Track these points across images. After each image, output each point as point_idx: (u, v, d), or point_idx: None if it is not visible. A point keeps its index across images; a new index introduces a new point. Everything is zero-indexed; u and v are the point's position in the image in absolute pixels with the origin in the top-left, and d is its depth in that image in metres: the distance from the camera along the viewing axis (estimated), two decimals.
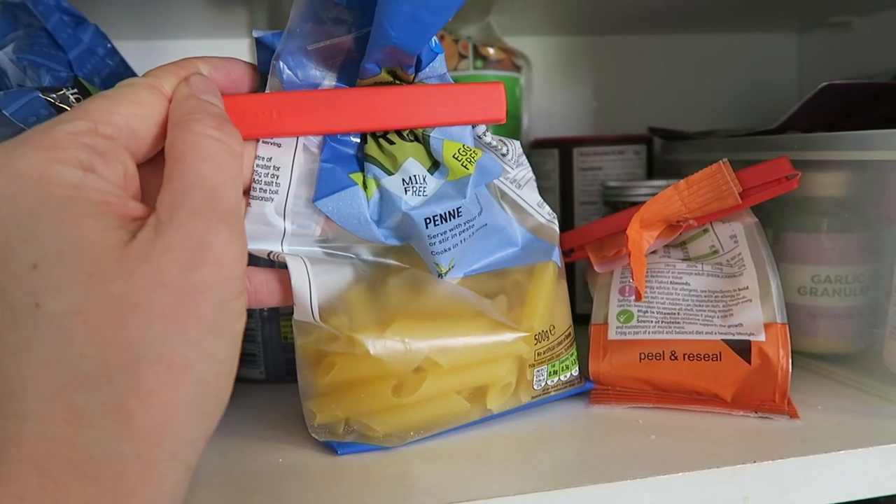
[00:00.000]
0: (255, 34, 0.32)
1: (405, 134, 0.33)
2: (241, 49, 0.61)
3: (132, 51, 0.53)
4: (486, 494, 0.29)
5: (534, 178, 0.39)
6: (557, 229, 0.39)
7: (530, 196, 0.39)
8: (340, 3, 0.30)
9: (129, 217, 0.23)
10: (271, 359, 0.46)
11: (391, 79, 0.32)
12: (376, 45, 0.30)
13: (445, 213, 0.32)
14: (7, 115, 0.31)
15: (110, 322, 0.21)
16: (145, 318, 0.21)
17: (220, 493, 0.31)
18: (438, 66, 0.33)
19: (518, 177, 0.38)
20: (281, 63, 0.31)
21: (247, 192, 0.31)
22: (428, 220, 0.32)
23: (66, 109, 0.31)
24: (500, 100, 0.33)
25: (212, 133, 0.25)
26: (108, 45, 0.44)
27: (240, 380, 0.46)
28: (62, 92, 0.32)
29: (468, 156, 0.33)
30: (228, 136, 0.25)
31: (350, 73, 0.32)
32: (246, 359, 0.46)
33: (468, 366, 0.34)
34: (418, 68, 0.32)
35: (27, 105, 0.31)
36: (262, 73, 0.32)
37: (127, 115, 0.25)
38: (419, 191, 0.32)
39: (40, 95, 0.31)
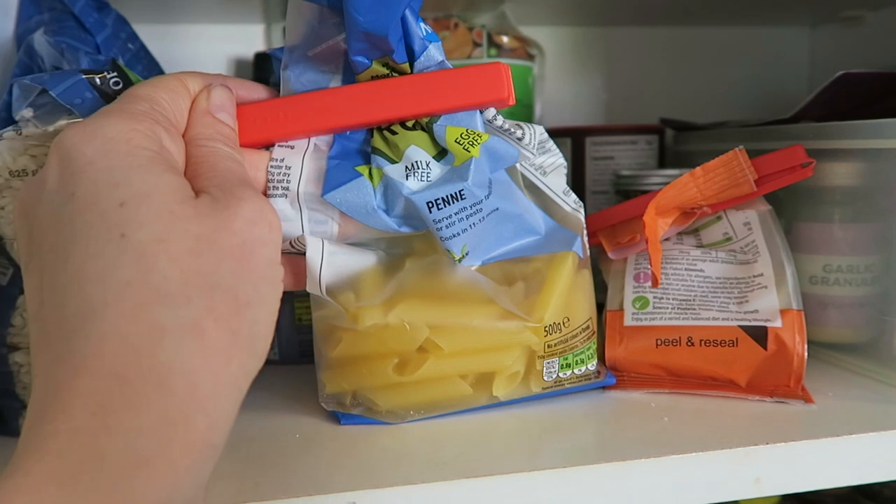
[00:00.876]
0: (269, 51, 0.35)
1: (408, 123, 0.33)
2: (255, 34, 0.62)
3: (148, 34, 0.53)
4: (496, 471, 0.30)
5: (564, 165, 0.39)
6: (583, 218, 0.38)
7: (556, 183, 0.38)
8: (322, 3, 0.31)
9: (191, 186, 0.26)
10: (285, 340, 0.46)
11: (387, 71, 0.33)
12: (352, 34, 0.31)
13: (448, 196, 0.32)
14: (54, 95, 0.32)
15: (189, 253, 0.23)
16: (217, 255, 0.24)
17: (248, 459, 0.32)
18: (435, 54, 0.33)
19: (545, 163, 0.38)
20: (288, 72, 0.33)
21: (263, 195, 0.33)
22: (430, 204, 0.32)
23: (108, 92, 0.33)
24: (501, 80, 0.33)
25: (224, 145, 0.29)
26: (129, 30, 0.45)
27: None
28: (103, 74, 0.33)
29: (470, 139, 0.33)
30: (237, 150, 0.30)
31: (353, 71, 0.33)
32: None
33: (473, 351, 0.35)
34: (412, 58, 0.33)
35: (73, 87, 0.33)
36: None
37: (167, 98, 0.28)
38: (422, 176, 0.33)
39: (84, 78, 0.32)
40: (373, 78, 0.33)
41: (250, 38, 0.61)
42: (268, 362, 0.46)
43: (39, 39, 0.38)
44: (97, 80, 0.33)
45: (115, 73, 0.34)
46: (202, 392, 0.22)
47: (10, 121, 0.35)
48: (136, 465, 0.21)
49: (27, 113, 0.33)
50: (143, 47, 0.46)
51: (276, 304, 0.26)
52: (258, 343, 0.25)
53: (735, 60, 0.72)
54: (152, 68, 0.46)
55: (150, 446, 0.21)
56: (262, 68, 0.57)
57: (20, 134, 0.33)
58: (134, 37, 0.45)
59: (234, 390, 0.24)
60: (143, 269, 0.23)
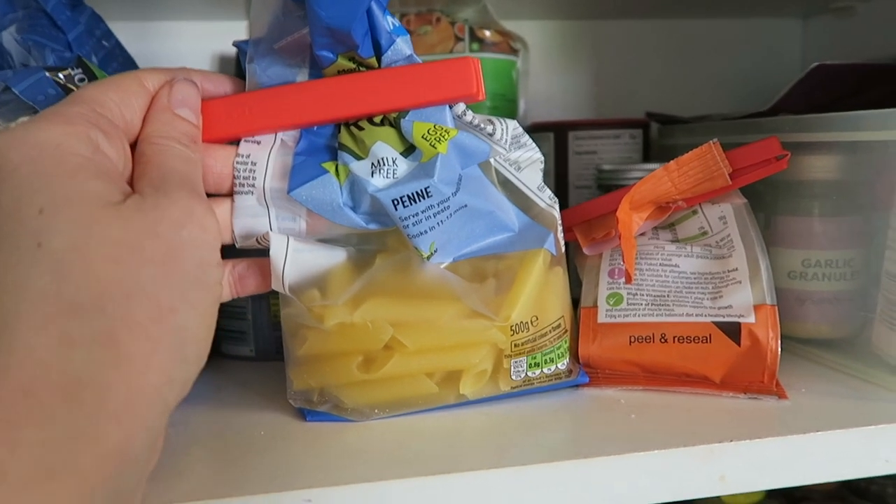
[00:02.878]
0: (235, 43, 0.34)
1: (375, 119, 0.33)
2: (238, 30, 0.62)
3: (128, 31, 0.53)
4: (460, 468, 0.29)
5: (541, 159, 0.38)
6: (557, 214, 0.38)
7: (531, 179, 0.38)
8: None
9: (123, 189, 0.26)
10: (260, 337, 0.46)
11: (353, 65, 0.33)
12: (315, 29, 0.31)
13: (413, 194, 0.32)
14: (17, 92, 0.32)
15: (107, 260, 0.23)
16: (138, 260, 0.23)
17: (210, 456, 0.32)
18: (403, 48, 0.32)
19: (520, 158, 0.38)
20: (254, 66, 0.33)
21: (230, 194, 0.33)
22: (396, 202, 0.32)
23: (72, 88, 0.33)
24: (471, 75, 0.32)
25: (178, 143, 0.29)
26: (104, 28, 0.45)
27: (230, 356, 0.47)
28: (67, 71, 0.34)
29: (437, 135, 0.33)
30: (193, 150, 0.29)
31: (319, 65, 0.33)
32: (236, 336, 0.47)
33: (439, 349, 0.34)
34: (379, 52, 0.32)
35: (36, 84, 0.33)
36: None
37: (117, 100, 0.28)
38: (388, 173, 0.32)
39: (47, 74, 0.33)
40: (339, 72, 0.33)
41: (233, 34, 0.60)
42: (244, 359, 0.47)
43: (8, 37, 0.38)
44: (61, 77, 0.33)
45: (79, 70, 0.34)
46: (114, 403, 0.22)
47: None
48: (41, 478, 0.20)
49: None
50: (118, 45, 0.46)
51: (211, 307, 0.26)
52: (187, 348, 0.24)
53: (727, 53, 0.71)
54: (127, 66, 0.46)
55: (56, 459, 0.21)
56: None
57: None
58: (109, 34, 0.45)
59: (156, 399, 0.23)
60: (58, 279, 0.22)
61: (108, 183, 0.25)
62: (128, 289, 0.23)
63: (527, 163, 0.38)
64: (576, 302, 0.42)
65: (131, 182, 0.27)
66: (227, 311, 0.46)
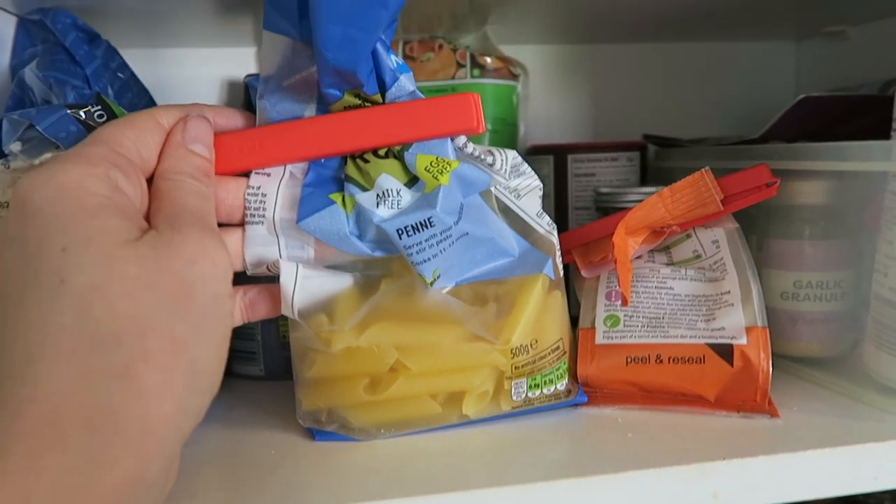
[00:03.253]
0: (246, 79, 0.36)
1: (380, 152, 0.35)
2: (247, 56, 0.63)
3: (140, 58, 0.55)
4: (461, 486, 0.31)
5: (540, 187, 0.40)
6: (556, 240, 0.39)
7: (530, 206, 0.39)
8: (295, 37, 0.33)
9: (140, 226, 0.27)
10: (270, 356, 0.47)
11: (359, 101, 0.34)
12: (323, 70, 0.32)
13: (417, 224, 0.33)
14: (40, 130, 0.34)
15: (125, 297, 0.24)
16: (154, 296, 0.25)
17: (223, 476, 0.33)
18: (406, 84, 0.34)
19: (519, 186, 0.39)
20: (263, 102, 0.35)
21: (242, 223, 0.34)
22: (400, 231, 0.33)
23: (92, 125, 0.35)
24: (470, 110, 0.34)
25: (191, 178, 0.30)
26: (119, 60, 0.47)
27: (240, 376, 0.48)
28: (87, 108, 0.35)
29: (440, 167, 0.34)
30: (206, 185, 0.31)
31: (326, 101, 0.35)
32: (245, 356, 0.48)
33: (441, 371, 0.36)
34: (383, 89, 0.34)
35: (58, 122, 0.35)
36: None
37: (133, 138, 0.30)
38: (393, 204, 0.34)
39: (69, 112, 0.34)
40: (345, 108, 0.35)
41: (242, 61, 0.63)
42: (253, 378, 0.48)
43: (30, 74, 0.40)
44: (81, 114, 0.35)
45: (99, 107, 0.36)
46: (131, 433, 0.23)
47: (1, 154, 0.37)
48: (63, 503, 0.22)
49: (15, 147, 0.35)
50: (132, 75, 0.48)
51: (223, 338, 0.27)
52: (200, 379, 0.26)
53: (722, 75, 0.73)
54: (142, 95, 0.48)
55: (77, 486, 0.22)
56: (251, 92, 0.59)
57: (8, 167, 0.35)
58: (124, 66, 0.47)
59: (170, 429, 0.25)
60: (78, 316, 0.24)
61: (126, 220, 0.26)
62: (144, 324, 0.24)
63: (526, 190, 0.40)
64: (574, 321, 0.44)
65: (148, 216, 0.29)
66: (238, 332, 0.48)
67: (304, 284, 0.34)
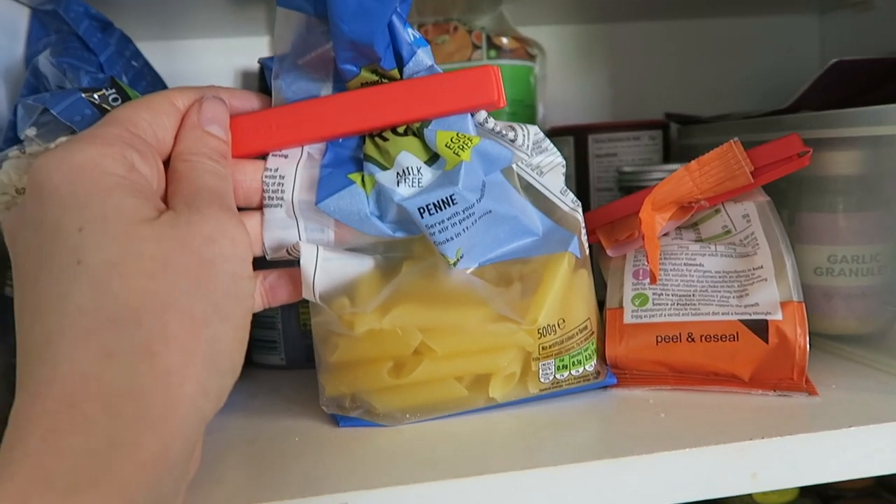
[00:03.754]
0: (260, 60, 0.35)
1: (399, 129, 0.34)
2: (260, 46, 0.63)
3: (154, 50, 0.55)
4: (490, 469, 0.30)
5: (562, 163, 0.39)
6: (581, 217, 0.38)
7: (553, 183, 0.38)
8: (309, 13, 0.32)
9: (158, 206, 0.27)
10: (291, 345, 0.47)
11: (376, 78, 0.33)
12: (338, 43, 0.31)
13: (439, 202, 0.32)
14: (55, 114, 0.33)
15: (143, 275, 0.24)
16: (173, 275, 0.24)
17: (247, 462, 0.33)
18: (424, 58, 0.33)
19: (542, 163, 0.38)
20: (279, 82, 0.34)
21: (259, 205, 0.34)
22: (422, 210, 0.32)
23: (107, 108, 0.34)
24: (491, 83, 0.33)
25: (208, 159, 0.30)
26: (133, 48, 0.47)
27: (262, 366, 0.48)
28: (102, 92, 0.35)
29: (461, 143, 0.33)
30: (223, 165, 0.30)
31: (343, 79, 0.34)
32: (267, 345, 0.47)
33: (467, 353, 0.35)
34: (401, 64, 0.33)
35: (72, 105, 0.34)
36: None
37: (149, 119, 0.29)
38: (413, 182, 0.33)
39: (83, 96, 0.34)
40: (362, 85, 0.34)
41: (256, 50, 0.62)
42: (275, 367, 0.47)
43: (44, 61, 0.39)
44: (96, 98, 0.34)
45: (113, 90, 0.35)
46: (152, 414, 0.23)
47: (17, 140, 0.37)
48: (85, 485, 0.21)
49: (31, 132, 0.35)
50: (146, 64, 0.47)
51: (244, 319, 0.26)
52: (221, 360, 0.25)
53: (743, 52, 0.71)
54: (156, 84, 0.47)
55: (98, 467, 0.21)
56: (266, 77, 0.58)
57: (24, 153, 0.34)
58: (137, 54, 0.47)
59: (192, 410, 0.24)
60: (96, 295, 0.23)
61: (143, 200, 0.26)
62: (163, 302, 0.24)
63: (549, 167, 0.39)
64: (601, 303, 0.43)
65: (165, 198, 0.28)
66: (258, 321, 0.47)
67: (324, 266, 0.33)
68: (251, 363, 0.48)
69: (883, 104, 0.38)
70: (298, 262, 0.33)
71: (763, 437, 0.32)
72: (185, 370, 0.24)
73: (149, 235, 0.25)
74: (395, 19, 0.32)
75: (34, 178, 0.25)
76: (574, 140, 0.57)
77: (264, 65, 0.35)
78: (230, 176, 0.31)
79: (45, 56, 0.40)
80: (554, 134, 0.59)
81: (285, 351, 0.47)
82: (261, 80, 0.60)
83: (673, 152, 0.59)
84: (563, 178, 0.39)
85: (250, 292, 0.27)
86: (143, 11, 0.53)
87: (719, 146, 0.40)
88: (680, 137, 0.60)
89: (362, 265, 0.35)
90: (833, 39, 0.71)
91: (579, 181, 0.57)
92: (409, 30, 0.34)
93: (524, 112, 0.58)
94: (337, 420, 0.36)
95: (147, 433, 0.23)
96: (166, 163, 0.30)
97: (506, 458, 0.31)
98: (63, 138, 0.33)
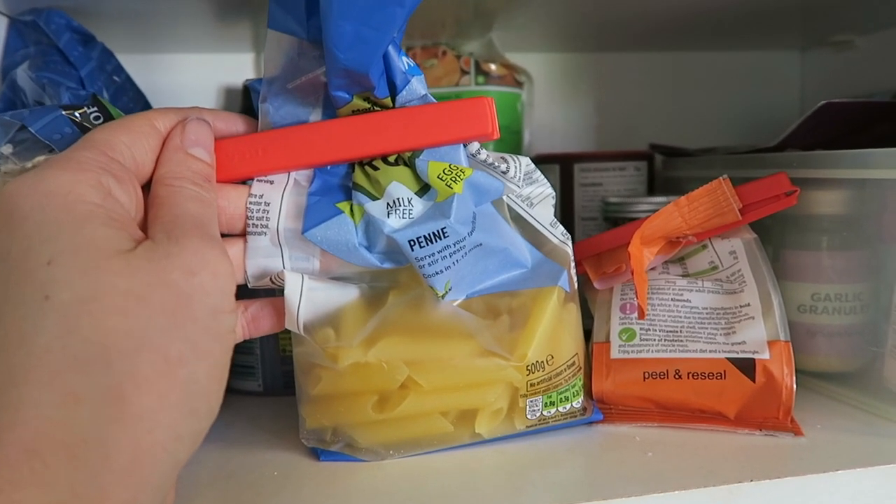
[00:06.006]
0: (246, 82, 0.34)
1: (390, 159, 0.33)
2: (245, 63, 0.62)
3: (135, 63, 0.53)
4: None
5: (552, 195, 0.38)
6: (570, 250, 0.38)
7: (543, 215, 0.38)
8: (302, 37, 0.31)
9: (135, 236, 0.25)
10: (269, 371, 0.46)
11: (368, 105, 0.33)
12: (332, 70, 0.31)
13: (430, 235, 0.32)
14: (33, 132, 0.32)
15: (115, 311, 0.22)
16: (147, 311, 0.23)
17: (224, 499, 0.31)
18: (417, 87, 0.33)
19: (532, 194, 0.38)
20: (267, 105, 0.33)
21: (243, 234, 0.32)
22: (412, 243, 0.31)
23: (88, 127, 0.33)
24: (485, 115, 0.32)
25: (191, 183, 0.28)
26: (115, 63, 0.46)
27: (238, 392, 0.46)
28: (83, 109, 0.33)
29: (453, 175, 0.33)
30: (207, 190, 0.29)
31: (333, 105, 0.33)
32: (244, 371, 0.46)
33: (454, 388, 0.34)
34: (394, 92, 0.32)
35: (52, 123, 0.33)
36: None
37: (127, 142, 0.28)
38: (404, 213, 0.32)
39: (63, 113, 0.33)
40: (353, 112, 0.33)
41: (240, 67, 0.61)
42: (252, 394, 0.46)
43: (22, 74, 0.38)
44: (77, 115, 0.33)
45: (95, 108, 0.34)
46: (119, 463, 0.21)
47: None
48: None
49: (6, 149, 0.33)
50: (128, 79, 0.46)
51: (223, 357, 0.25)
52: (197, 402, 0.24)
53: (726, 85, 0.72)
54: (138, 100, 0.46)
55: None
56: (251, 97, 0.57)
57: None
58: (119, 69, 0.46)
59: (163, 458, 0.22)
60: (64, 333, 0.22)
61: (118, 230, 0.24)
62: (135, 342, 0.22)
63: (539, 198, 0.38)
64: (587, 334, 0.42)
65: (144, 226, 0.27)
66: (236, 346, 0.45)
67: (309, 296, 0.32)
68: (228, 389, 0.47)
69: (870, 147, 0.38)
70: (281, 290, 0.32)
71: (752, 480, 0.31)
72: (157, 415, 0.22)
73: (123, 269, 0.23)
74: (390, 48, 0.32)
75: (2, 205, 0.24)
76: (560, 168, 0.57)
77: (251, 87, 0.34)
78: (215, 201, 0.30)
79: (23, 69, 0.38)
80: (540, 161, 0.59)
81: (263, 377, 0.46)
82: (244, 98, 0.59)
83: (657, 184, 0.59)
84: (552, 210, 0.39)
85: (231, 327, 0.26)
86: (126, 24, 0.52)
87: (708, 183, 0.40)
88: (664, 169, 0.60)
89: (347, 295, 0.34)
90: (814, 76, 0.72)
91: (564, 210, 0.57)
92: (404, 58, 0.33)
93: (511, 138, 0.58)
94: (318, 454, 0.35)
95: (114, 485, 0.21)
96: (146, 188, 0.29)
97: (492, 498, 0.30)
98: (41, 157, 0.32)
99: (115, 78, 0.44)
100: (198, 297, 0.24)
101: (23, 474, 0.20)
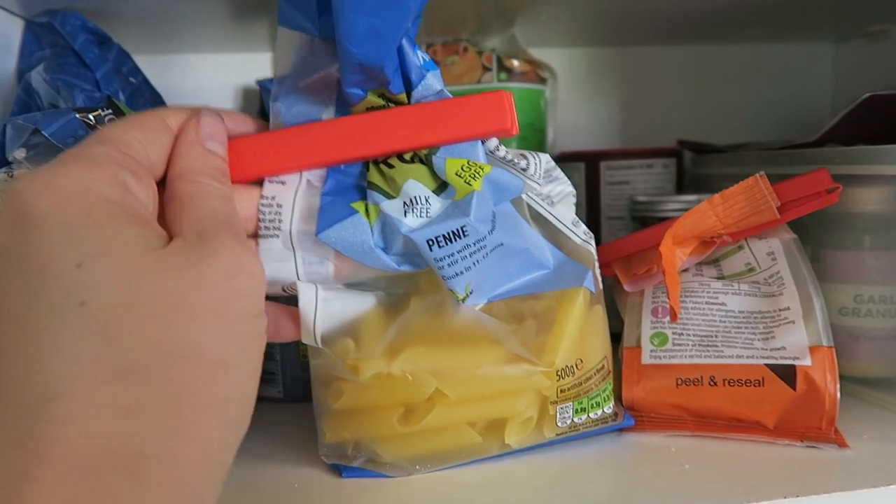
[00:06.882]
0: (258, 82, 0.33)
1: (405, 156, 0.32)
2: (263, 63, 0.61)
3: (151, 64, 0.53)
4: None
5: (573, 193, 0.37)
6: (594, 250, 0.36)
7: (564, 214, 0.37)
8: (313, 33, 0.30)
9: (159, 233, 0.24)
10: (290, 377, 0.45)
11: (382, 102, 0.31)
12: (346, 66, 0.29)
13: (449, 234, 0.30)
14: (46, 135, 0.31)
15: (157, 317, 0.21)
16: (188, 316, 0.22)
17: None
18: (433, 82, 0.31)
19: (552, 193, 0.36)
20: (278, 104, 0.32)
21: (254, 235, 0.31)
22: (431, 242, 0.30)
23: None
24: (504, 110, 0.31)
25: (214, 180, 0.27)
26: (131, 64, 0.45)
27: (258, 398, 0.45)
28: (98, 112, 0.32)
29: (472, 172, 0.31)
30: (228, 186, 0.28)
31: (346, 103, 0.32)
32: (264, 377, 0.45)
33: (481, 398, 0.33)
34: (409, 88, 0.31)
35: (65, 126, 0.32)
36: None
37: (140, 139, 0.26)
38: (421, 212, 0.31)
39: (77, 116, 0.32)
40: (368, 109, 0.32)
41: (255, 67, 0.60)
42: (272, 400, 0.45)
43: (37, 77, 0.38)
44: (91, 118, 0.32)
45: (109, 111, 0.33)
46: (177, 475, 0.20)
47: (4, 162, 0.34)
48: None
49: (20, 154, 0.33)
50: (145, 81, 0.45)
51: (258, 361, 0.24)
52: (239, 409, 0.23)
53: (756, 79, 0.70)
54: (155, 101, 0.46)
55: None
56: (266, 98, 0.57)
57: (12, 176, 0.32)
58: (136, 70, 0.45)
59: (216, 468, 0.22)
60: (107, 341, 0.20)
61: (144, 228, 0.23)
62: (181, 348, 0.21)
63: (559, 197, 0.37)
64: (615, 337, 0.41)
65: (163, 223, 0.25)
66: None
67: (325, 307, 0.31)
68: None
69: None
70: (294, 300, 0.31)
71: (798, 496, 0.30)
72: (209, 423, 0.21)
73: (158, 270, 0.22)
74: (404, 42, 0.31)
75: (15, 203, 0.22)
76: (585, 166, 0.56)
77: (262, 86, 0.33)
78: (234, 199, 0.28)
79: (38, 72, 0.38)
80: (564, 159, 0.57)
81: (283, 383, 0.45)
82: (260, 100, 0.58)
83: (686, 181, 0.57)
84: (574, 209, 0.38)
85: (263, 330, 0.25)
86: (143, 24, 0.51)
87: (744, 179, 0.38)
88: (694, 166, 0.58)
89: (365, 303, 0.33)
90: (847, 68, 0.70)
91: (590, 209, 0.56)
92: (419, 52, 0.32)
93: (534, 136, 0.56)
94: (339, 470, 0.34)
95: (173, 500, 0.20)
96: (158, 185, 0.27)
97: None
98: None
99: (132, 80, 0.43)
100: (236, 300, 0.23)
101: (81, 493, 0.19)
